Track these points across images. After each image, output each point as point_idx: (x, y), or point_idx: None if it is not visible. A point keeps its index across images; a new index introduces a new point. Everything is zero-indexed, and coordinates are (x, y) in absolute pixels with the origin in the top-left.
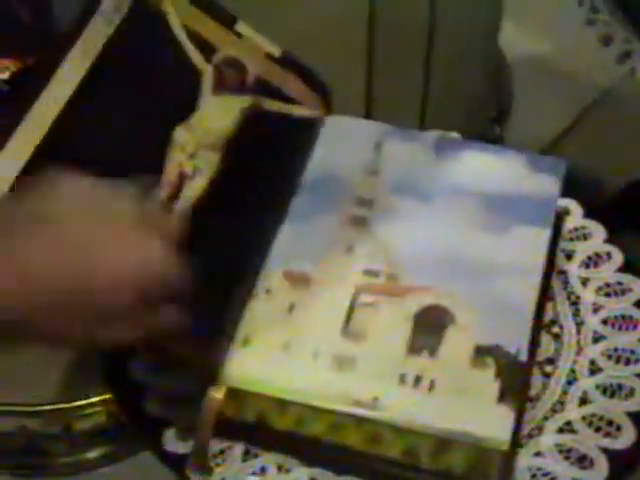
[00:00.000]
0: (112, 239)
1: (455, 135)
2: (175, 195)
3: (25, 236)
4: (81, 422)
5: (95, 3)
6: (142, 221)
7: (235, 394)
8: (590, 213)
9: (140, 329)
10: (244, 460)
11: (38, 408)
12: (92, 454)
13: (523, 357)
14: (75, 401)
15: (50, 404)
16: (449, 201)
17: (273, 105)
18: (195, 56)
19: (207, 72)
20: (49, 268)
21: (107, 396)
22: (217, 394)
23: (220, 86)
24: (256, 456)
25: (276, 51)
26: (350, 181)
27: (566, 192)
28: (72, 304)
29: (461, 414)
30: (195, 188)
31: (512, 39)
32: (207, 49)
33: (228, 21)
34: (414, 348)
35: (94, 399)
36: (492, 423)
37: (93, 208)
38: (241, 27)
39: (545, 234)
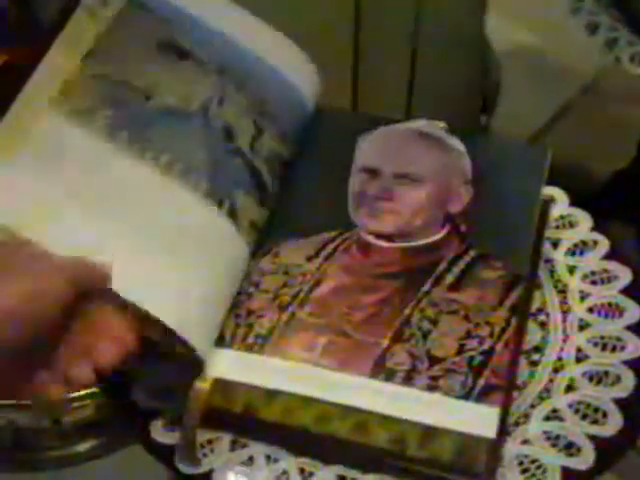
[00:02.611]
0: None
1: (441, 124)
2: None
3: None
4: (70, 415)
5: None
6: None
7: (222, 384)
8: (577, 202)
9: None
10: (232, 450)
11: (26, 402)
12: (82, 447)
13: None
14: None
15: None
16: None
17: None
18: None
19: None
20: None
21: (95, 390)
22: (204, 384)
23: None
24: (244, 446)
25: None
26: None
27: (552, 181)
28: None
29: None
30: None
31: (498, 29)
32: None
33: None
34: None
35: (82, 392)
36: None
37: None
38: None
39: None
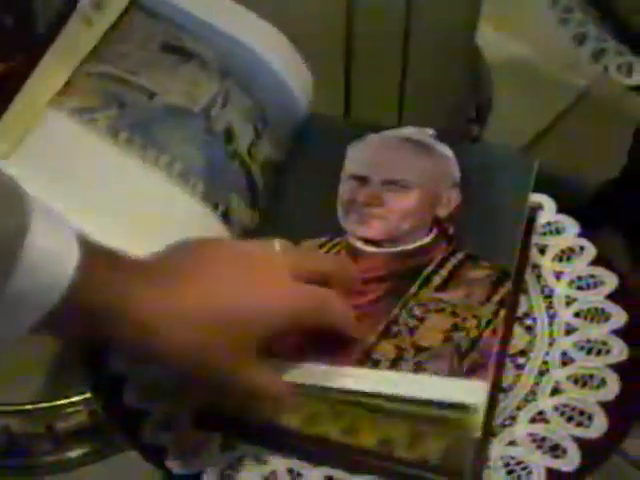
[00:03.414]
0: (270, 286)
1: (430, 131)
2: None
3: (184, 283)
4: (63, 421)
5: (73, 3)
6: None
7: None
8: (565, 210)
9: None
10: (222, 451)
11: (20, 407)
12: (75, 453)
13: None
14: (57, 400)
15: (32, 404)
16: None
17: None
18: None
19: None
20: (199, 311)
21: (88, 395)
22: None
23: None
24: (234, 447)
25: None
26: None
27: (542, 190)
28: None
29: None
30: None
31: (489, 40)
32: None
33: None
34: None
35: (75, 398)
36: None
37: (249, 265)
38: None
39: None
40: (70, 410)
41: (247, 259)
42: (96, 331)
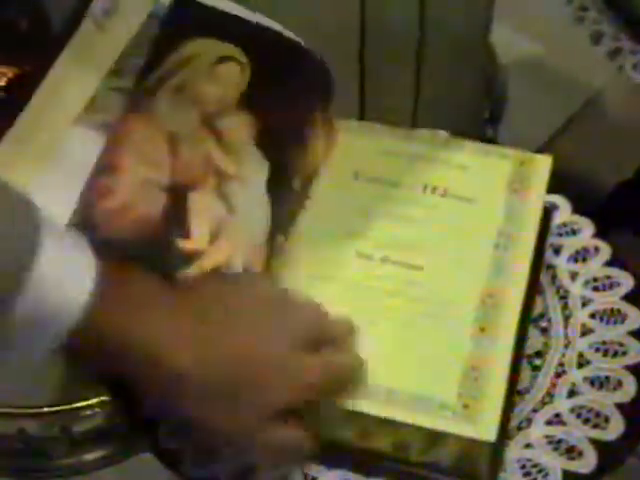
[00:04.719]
0: (278, 355)
1: (443, 133)
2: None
3: (218, 323)
4: (80, 424)
5: (86, 7)
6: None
7: None
8: (581, 210)
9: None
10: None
11: (36, 410)
12: (91, 456)
13: None
14: (73, 403)
15: (48, 406)
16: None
17: None
18: None
19: None
20: (230, 361)
21: (105, 398)
22: None
23: None
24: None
25: None
26: None
27: (557, 191)
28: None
29: None
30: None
31: (505, 40)
32: None
33: None
34: None
35: (92, 401)
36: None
37: (276, 311)
38: None
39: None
40: (86, 413)
41: (282, 312)
42: (111, 363)
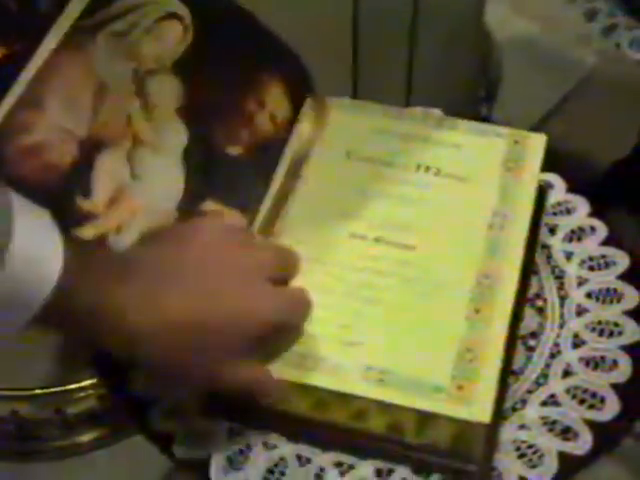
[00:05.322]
0: (243, 290)
1: (437, 112)
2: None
3: (163, 282)
4: (73, 406)
5: None
6: (276, 271)
7: None
8: (576, 189)
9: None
10: (230, 437)
11: (29, 392)
12: (85, 438)
13: None
14: (66, 385)
15: (41, 388)
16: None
17: None
18: None
19: None
20: (183, 313)
21: (98, 380)
22: None
23: None
24: (241, 433)
25: None
26: None
27: (552, 169)
28: (199, 346)
29: None
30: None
31: (500, 19)
32: None
33: None
34: None
35: (85, 383)
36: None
37: (231, 257)
38: None
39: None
40: (80, 395)
41: (231, 257)
42: (84, 332)
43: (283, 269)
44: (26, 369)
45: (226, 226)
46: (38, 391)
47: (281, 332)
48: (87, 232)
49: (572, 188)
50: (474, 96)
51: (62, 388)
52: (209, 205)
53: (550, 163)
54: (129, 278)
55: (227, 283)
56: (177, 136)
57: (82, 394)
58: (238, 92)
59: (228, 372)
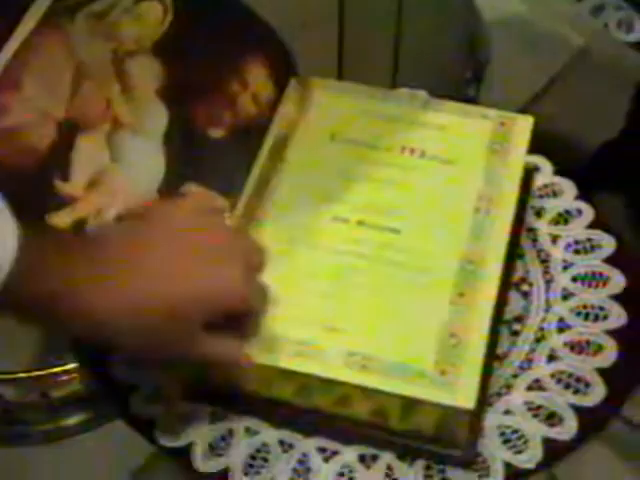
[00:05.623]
0: (203, 270)
1: (423, 94)
2: None
3: (119, 263)
4: (58, 389)
5: None
6: (233, 252)
7: None
8: (564, 172)
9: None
10: (212, 423)
11: (14, 375)
12: (71, 421)
13: None
14: (51, 368)
15: (25, 371)
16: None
17: None
18: None
19: None
20: (139, 294)
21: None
22: None
23: None
24: (224, 418)
25: None
26: None
27: (539, 151)
28: (156, 326)
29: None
30: None
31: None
32: None
33: None
34: None
35: (69, 366)
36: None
37: (189, 236)
38: None
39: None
40: (64, 378)
41: (199, 240)
42: (45, 318)
43: (250, 257)
44: (10, 353)
45: (197, 209)
46: (22, 375)
47: (247, 316)
48: (66, 216)
49: (559, 171)
50: (461, 77)
51: (47, 372)
52: (190, 188)
53: (538, 145)
54: (93, 262)
55: (194, 265)
56: (158, 118)
57: (67, 377)
58: (220, 73)
59: (195, 348)
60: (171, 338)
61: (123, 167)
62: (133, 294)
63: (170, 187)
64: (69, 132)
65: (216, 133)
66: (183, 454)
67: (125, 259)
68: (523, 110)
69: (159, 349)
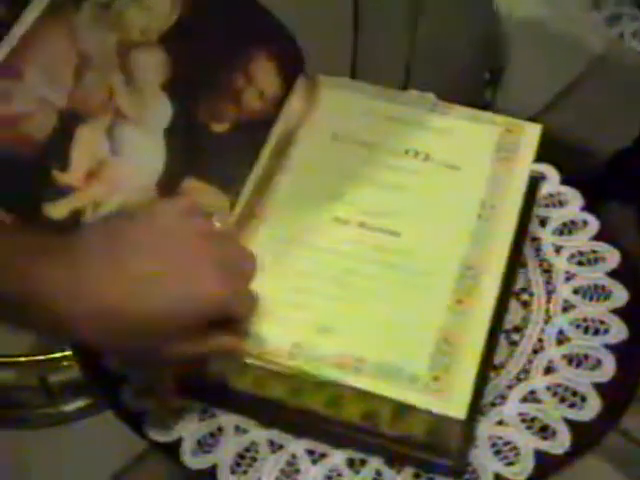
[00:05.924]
0: (183, 274)
1: (431, 96)
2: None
3: (99, 264)
4: (57, 374)
5: None
6: (214, 258)
7: None
8: (570, 181)
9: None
10: (201, 419)
11: (13, 359)
12: (70, 407)
13: None
14: (51, 353)
15: (25, 356)
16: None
17: None
18: None
19: None
20: (118, 297)
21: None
22: None
23: None
24: (214, 415)
25: None
26: None
27: (550, 160)
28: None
29: None
30: None
31: (509, 4)
32: None
33: None
34: None
35: (69, 352)
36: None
37: (172, 240)
38: None
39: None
40: (63, 364)
41: (183, 242)
42: (16, 319)
43: (237, 263)
44: (10, 337)
45: (188, 210)
46: (22, 359)
47: (226, 322)
48: (62, 206)
49: (566, 180)
50: (479, 80)
51: (46, 356)
52: (191, 183)
53: (548, 153)
54: (66, 263)
55: (173, 268)
56: (161, 111)
57: (66, 363)
58: (226, 67)
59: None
60: (148, 344)
61: (123, 159)
62: (110, 298)
63: (170, 181)
64: (70, 122)
65: (219, 128)
66: (172, 450)
67: (106, 260)
68: (537, 116)
69: (136, 354)
